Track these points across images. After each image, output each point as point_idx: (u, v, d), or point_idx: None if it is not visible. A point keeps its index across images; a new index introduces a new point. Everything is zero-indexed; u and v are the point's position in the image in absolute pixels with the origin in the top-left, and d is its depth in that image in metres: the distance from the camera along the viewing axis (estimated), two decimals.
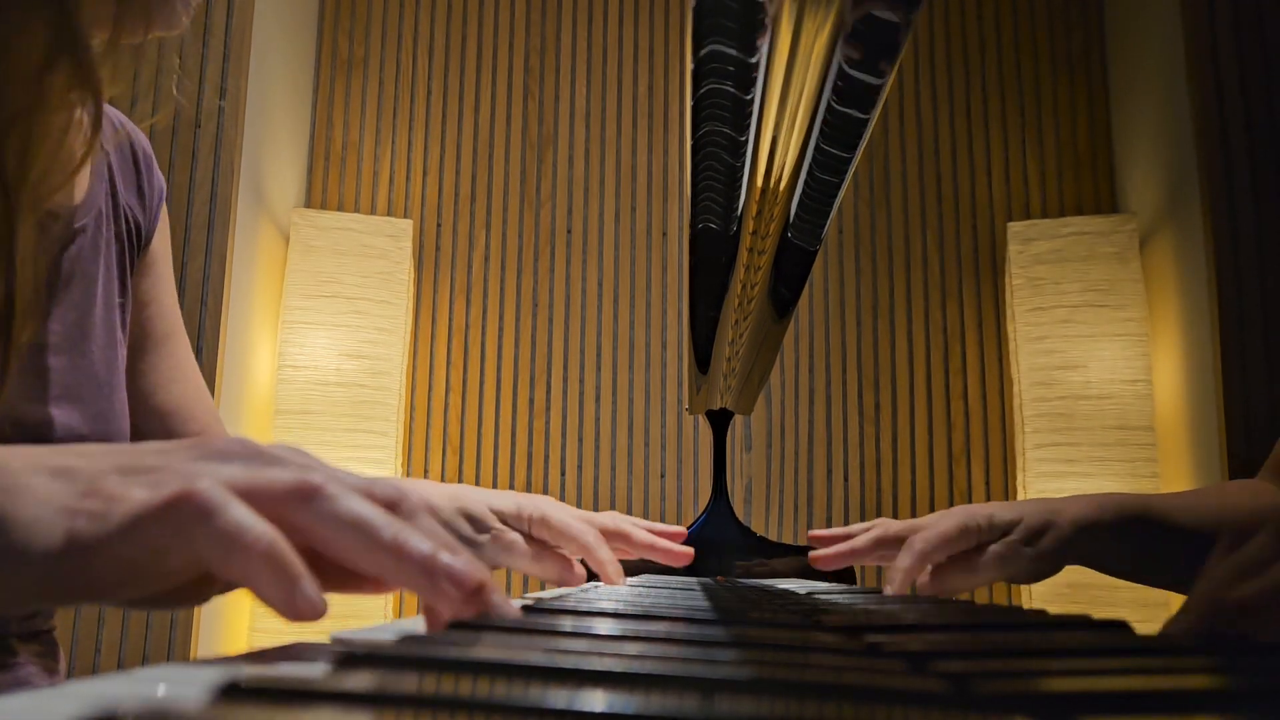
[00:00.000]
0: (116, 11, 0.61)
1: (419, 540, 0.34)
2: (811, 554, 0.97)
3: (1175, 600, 2.07)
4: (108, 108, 0.73)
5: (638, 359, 2.61)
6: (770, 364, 1.18)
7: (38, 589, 0.32)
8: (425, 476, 2.55)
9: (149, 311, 0.80)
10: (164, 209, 0.82)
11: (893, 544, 0.91)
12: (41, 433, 0.65)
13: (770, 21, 0.48)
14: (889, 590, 0.85)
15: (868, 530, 0.93)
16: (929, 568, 0.87)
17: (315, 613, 0.31)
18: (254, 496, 0.33)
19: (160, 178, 0.81)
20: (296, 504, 0.34)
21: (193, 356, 0.85)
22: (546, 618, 0.42)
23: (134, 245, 0.78)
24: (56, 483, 0.33)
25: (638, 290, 2.65)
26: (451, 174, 2.70)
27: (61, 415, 0.66)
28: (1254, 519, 0.84)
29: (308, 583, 0.31)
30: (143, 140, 0.81)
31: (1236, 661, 0.33)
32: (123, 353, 0.75)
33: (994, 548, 0.83)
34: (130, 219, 0.77)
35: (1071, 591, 2.14)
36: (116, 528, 0.32)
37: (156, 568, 0.32)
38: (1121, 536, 0.82)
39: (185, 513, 0.31)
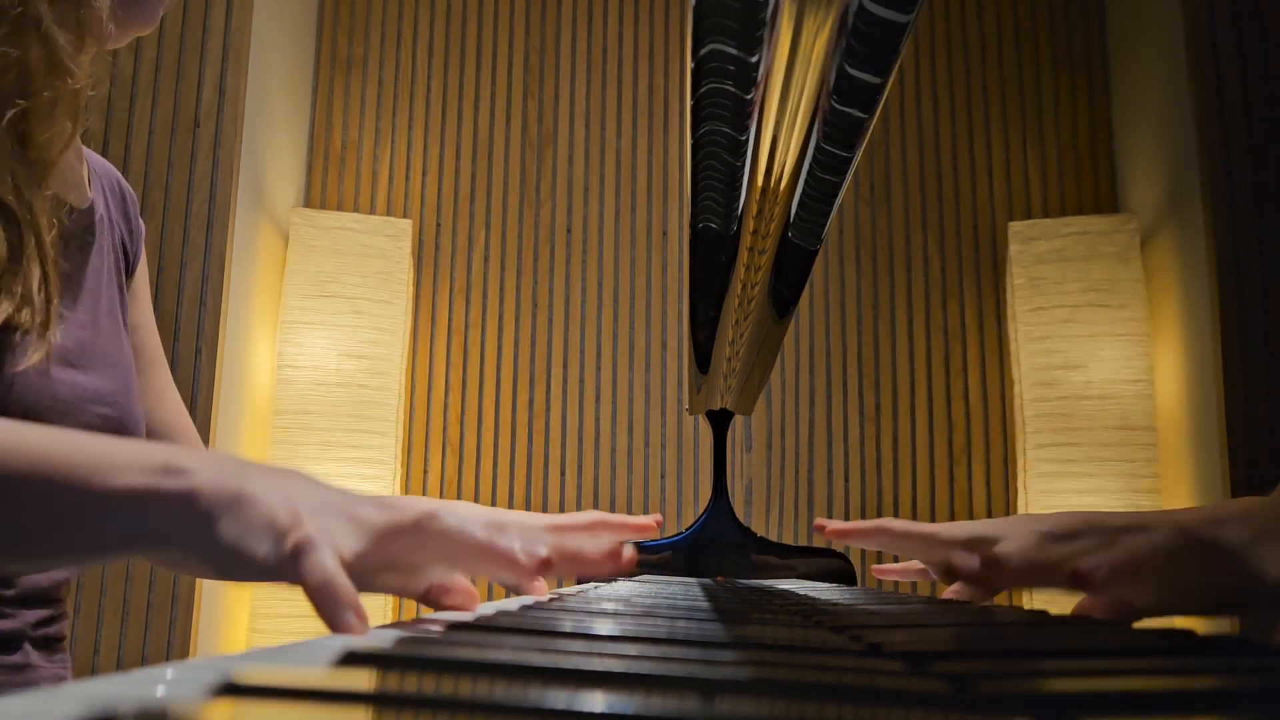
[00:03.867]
0: (82, 17, 0.69)
1: (505, 540, 0.49)
2: (817, 521, 1.08)
3: None
4: (99, 158, 0.84)
5: (638, 359, 2.61)
6: (770, 364, 1.18)
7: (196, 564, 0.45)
8: (425, 477, 2.55)
9: (139, 336, 0.87)
10: (143, 252, 0.90)
11: (892, 536, 0.99)
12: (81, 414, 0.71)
13: (770, 21, 0.48)
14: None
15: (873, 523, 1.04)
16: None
17: (351, 629, 0.42)
18: (393, 531, 0.47)
19: (141, 223, 0.90)
20: (420, 527, 0.47)
21: (172, 381, 0.92)
22: (547, 616, 0.42)
23: (125, 265, 0.85)
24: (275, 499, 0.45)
25: (638, 290, 2.65)
26: (451, 173, 2.70)
27: (99, 407, 0.73)
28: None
29: (349, 611, 0.42)
30: (129, 188, 0.89)
31: (1236, 661, 0.33)
32: (132, 360, 0.81)
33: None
34: (122, 241, 0.85)
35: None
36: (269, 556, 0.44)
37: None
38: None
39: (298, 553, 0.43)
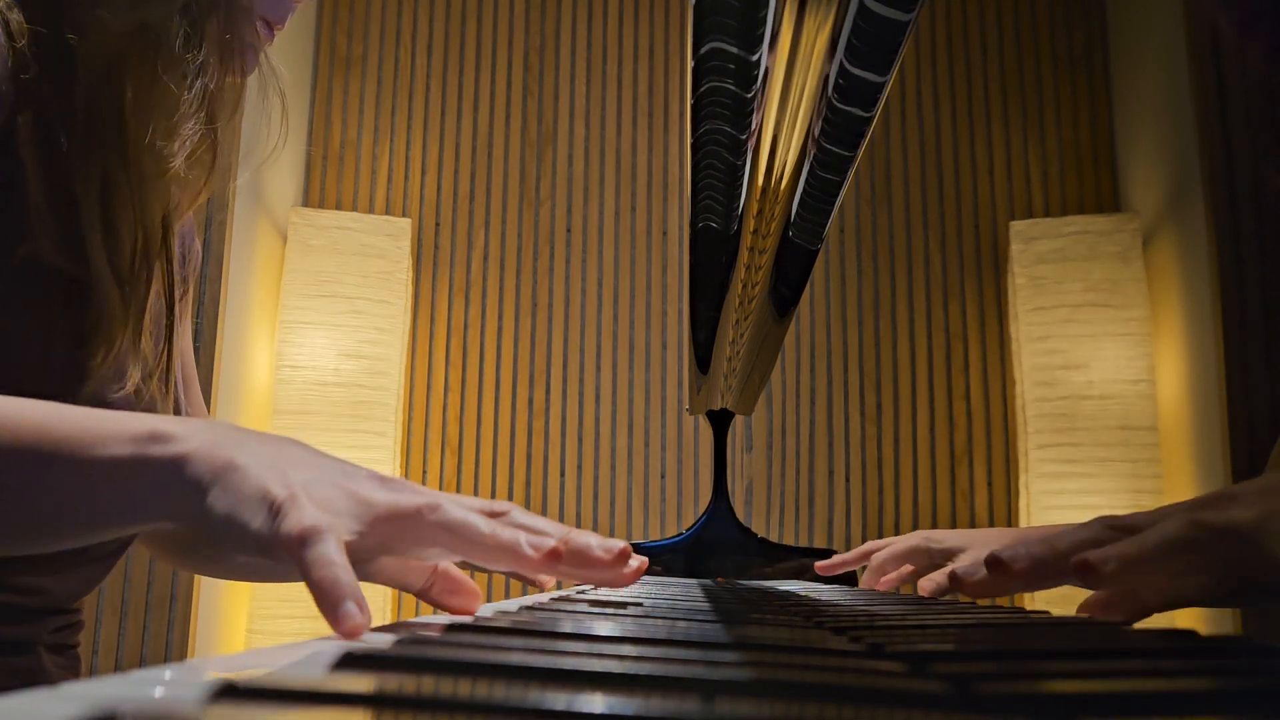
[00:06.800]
0: (220, 57, 0.70)
1: (509, 534, 0.46)
2: (817, 564, 1.21)
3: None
4: None
5: (638, 359, 2.61)
6: (771, 364, 1.18)
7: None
8: (424, 477, 2.55)
9: (183, 358, 0.86)
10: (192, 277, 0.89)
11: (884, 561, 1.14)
12: None
13: (771, 20, 0.48)
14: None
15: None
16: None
17: (355, 625, 0.39)
18: (393, 516, 0.45)
19: (198, 245, 0.88)
20: (421, 515, 0.45)
21: (203, 401, 0.91)
22: (546, 617, 0.42)
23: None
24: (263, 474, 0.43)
25: (638, 290, 2.65)
26: (451, 172, 2.70)
27: None
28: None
29: (352, 602, 0.39)
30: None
31: (1236, 661, 0.33)
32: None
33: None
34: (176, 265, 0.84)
35: (1075, 593, 2.13)
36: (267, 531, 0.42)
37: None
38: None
39: (304, 542, 0.40)
